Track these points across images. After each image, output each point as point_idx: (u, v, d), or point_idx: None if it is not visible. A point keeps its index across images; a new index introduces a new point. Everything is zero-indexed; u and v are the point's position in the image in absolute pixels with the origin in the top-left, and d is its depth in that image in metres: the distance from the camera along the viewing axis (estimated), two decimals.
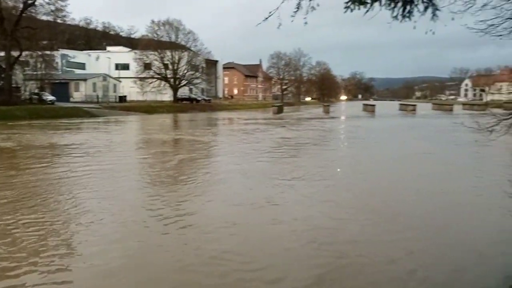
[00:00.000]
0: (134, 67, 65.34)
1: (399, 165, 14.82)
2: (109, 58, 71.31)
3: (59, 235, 7.06)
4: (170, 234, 7.19)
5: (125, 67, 71.71)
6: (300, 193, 10.13)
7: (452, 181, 11.85)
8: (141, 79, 64.18)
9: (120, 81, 66.91)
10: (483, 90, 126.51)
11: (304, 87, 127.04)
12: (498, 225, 7.80)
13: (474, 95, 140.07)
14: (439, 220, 8.16)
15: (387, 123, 39.97)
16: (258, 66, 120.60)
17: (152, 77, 63.32)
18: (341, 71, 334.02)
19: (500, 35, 5.57)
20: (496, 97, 79.55)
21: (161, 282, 5.50)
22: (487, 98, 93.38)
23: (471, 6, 5.47)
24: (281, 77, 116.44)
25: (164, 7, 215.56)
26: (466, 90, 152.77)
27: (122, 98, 59.73)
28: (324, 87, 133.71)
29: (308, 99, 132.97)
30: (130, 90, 64.88)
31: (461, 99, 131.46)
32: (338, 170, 13.41)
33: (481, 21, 5.58)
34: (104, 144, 19.96)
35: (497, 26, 5.59)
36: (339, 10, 4.11)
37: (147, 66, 63.96)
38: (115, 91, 64.10)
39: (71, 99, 55.45)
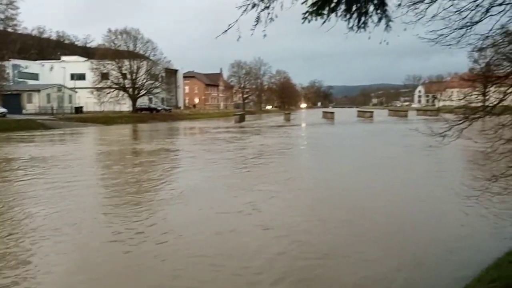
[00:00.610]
0: (90, 77, 63.44)
1: (369, 171, 15.22)
2: (64, 68, 68.94)
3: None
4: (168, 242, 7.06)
5: (81, 77, 69.69)
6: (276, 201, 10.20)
7: (414, 186, 12.33)
8: (98, 89, 62.52)
9: (76, 92, 64.87)
10: (435, 97, 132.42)
11: (265, 95, 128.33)
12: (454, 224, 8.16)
13: (427, 101, 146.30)
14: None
15: (348, 129, 40.99)
16: (219, 75, 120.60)
17: (110, 87, 61.81)
18: (301, 79, 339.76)
19: (449, 45, 5.86)
20: (448, 102, 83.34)
21: None
22: (439, 104, 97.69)
23: (422, 17, 5.74)
24: (242, 85, 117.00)
25: (122, 14, 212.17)
26: (419, 96, 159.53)
27: (78, 109, 57.84)
28: (285, 96, 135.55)
29: (269, 107, 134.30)
30: (87, 100, 62.97)
31: (415, 105, 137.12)
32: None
33: (431, 31, 5.86)
34: (75, 157, 19.18)
35: (446, 36, 5.89)
36: (299, 20, 4.20)
37: (104, 76, 62.36)
38: (70, 102, 62.08)
39: (24, 111, 53.00)
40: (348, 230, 8.04)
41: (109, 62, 60.85)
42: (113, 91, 61.78)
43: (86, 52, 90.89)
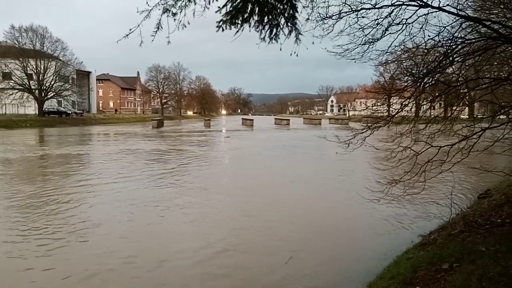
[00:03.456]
0: None
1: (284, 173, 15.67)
2: None
3: None
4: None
5: None
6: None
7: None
8: None
9: None
10: (342, 107, 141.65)
11: (184, 101, 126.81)
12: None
13: (339, 110, 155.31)
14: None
15: (267, 135, 41.90)
16: (136, 78, 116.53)
17: (13, 88, 56.55)
18: (222, 86, 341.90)
19: (354, 59, 6.33)
20: (358, 112, 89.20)
21: None
22: (350, 113, 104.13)
23: (329, 32, 6.13)
24: (160, 90, 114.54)
25: (32, 12, 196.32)
26: (332, 106, 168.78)
27: None
28: (205, 102, 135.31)
29: (190, 113, 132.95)
30: None
31: (328, 114, 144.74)
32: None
33: (338, 45, 6.28)
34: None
35: (351, 51, 6.36)
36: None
37: (7, 76, 56.99)
38: None
39: None
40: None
41: (12, 60, 55.71)
42: (17, 92, 56.65)
43: None
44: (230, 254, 7.14)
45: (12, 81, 56.58)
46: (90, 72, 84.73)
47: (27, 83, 56.74)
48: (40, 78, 57.26)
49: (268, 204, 10.99)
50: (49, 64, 57.78)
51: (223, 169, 18.20)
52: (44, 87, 57.77)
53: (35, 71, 56.95)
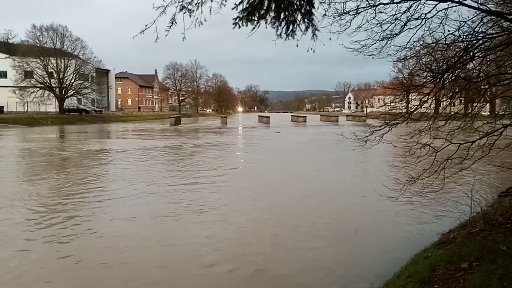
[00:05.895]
0: (12, 75, 58.81)
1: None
2: None
3: None
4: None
5: (2, 74, 64.45)
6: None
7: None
8: (21, 88, 58.21)
9: None
10: (360, 104, 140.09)
11: (201, 98, 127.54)
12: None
13: (356, 107, 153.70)
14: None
15: (314, 131, 42.36)
16: (154, 76, 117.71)
17: (34, 86, 57.76)
18: (240, 83, 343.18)
19: (371, 55, 6.25)
20: (375, 109, 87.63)
21: None
22: (368, 110, 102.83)
23: (347, 28, 6.08)
24: (178, 88, 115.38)
25: (55, 11, 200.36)
26: (349, 102, 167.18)
27: None
28: (222, 99, 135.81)
29: (209, 110, 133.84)
30: (9, 100, 58.45)
31: (345, 111, 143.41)
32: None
33: (356, 41, 6.21)
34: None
35: (369, 47, 6.28)
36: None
37: (28, 74, 58.19)
38: None
39: None
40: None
41: (33, 59, 56.84)
42: (38, 90, 57.84)
43: (8, 48, 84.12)
44: None
45: (34, 80, 57.79)
46: (109, 70, 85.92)
47: (48, 81, 57.91)
48: (61, 76, 58.31)
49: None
50: (69, 62, 58.81)
51: (308, 161, 19.67)
52: (64, 85, 58.84)
53: (55, 69, 58.01)
